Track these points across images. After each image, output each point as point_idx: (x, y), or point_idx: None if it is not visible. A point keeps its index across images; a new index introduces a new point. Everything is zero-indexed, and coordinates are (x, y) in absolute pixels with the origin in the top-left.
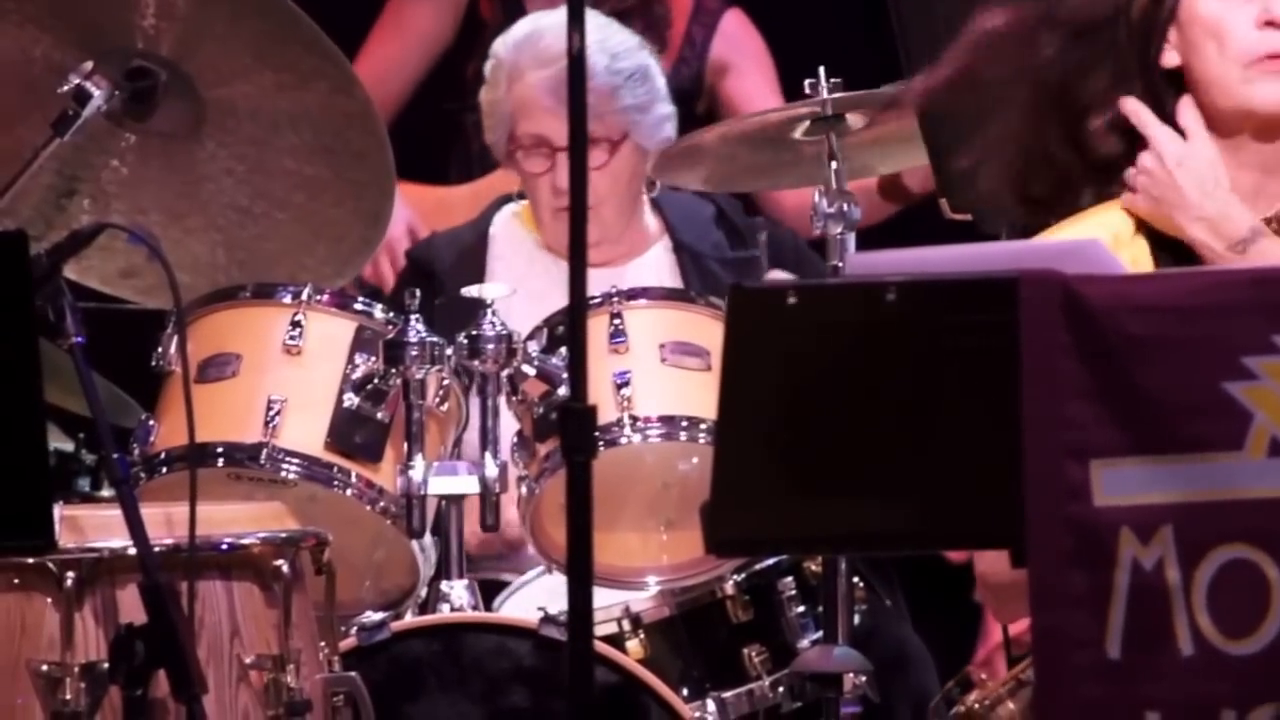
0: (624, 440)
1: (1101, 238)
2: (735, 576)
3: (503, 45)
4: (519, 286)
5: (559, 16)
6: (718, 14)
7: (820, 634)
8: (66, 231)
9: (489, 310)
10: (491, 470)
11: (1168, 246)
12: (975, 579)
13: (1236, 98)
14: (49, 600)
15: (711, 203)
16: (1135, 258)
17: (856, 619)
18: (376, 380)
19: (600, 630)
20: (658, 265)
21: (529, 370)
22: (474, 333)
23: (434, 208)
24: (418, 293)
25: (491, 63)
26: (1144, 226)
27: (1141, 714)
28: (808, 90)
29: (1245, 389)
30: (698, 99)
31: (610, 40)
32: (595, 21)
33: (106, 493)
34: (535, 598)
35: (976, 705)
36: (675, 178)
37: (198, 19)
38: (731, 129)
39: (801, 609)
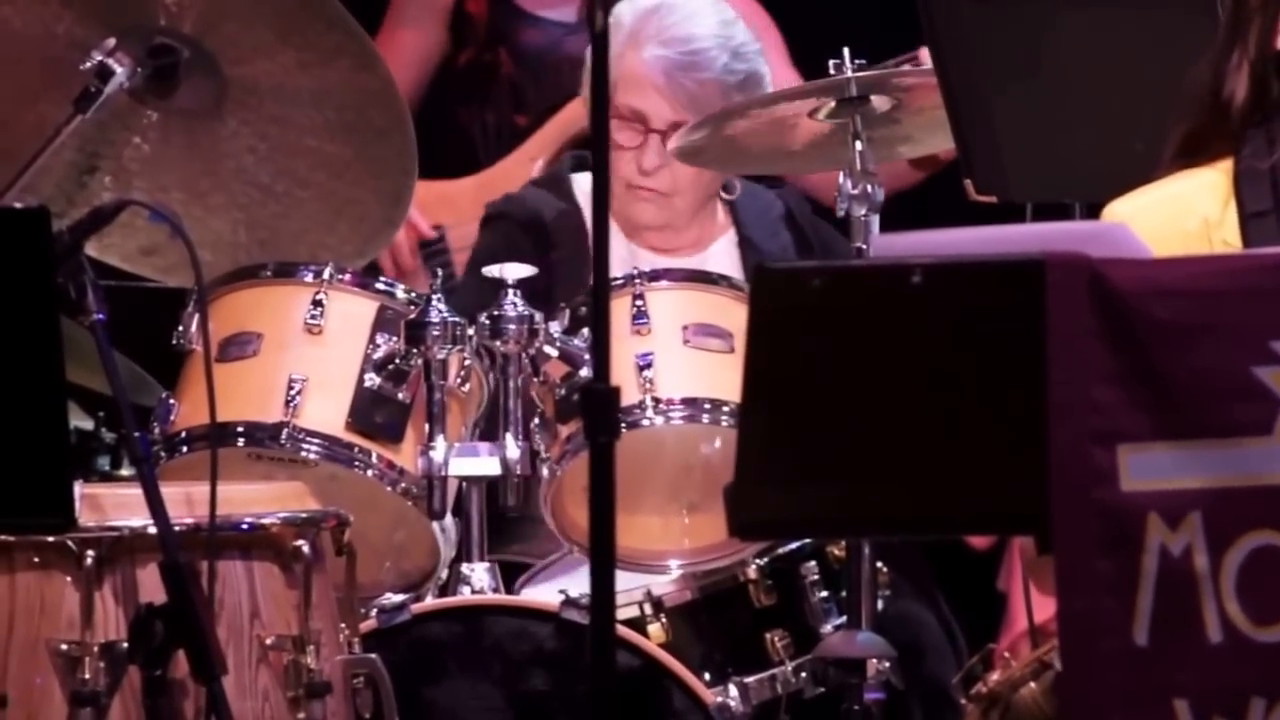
0: (646, 422)
1: (1194, 195)
2: (758, 560)
3: (629, 9)
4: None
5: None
6: None
7: (843, 619)
8: (88, 209)
9: (510, 291)
10: (513, 452)
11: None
12: (999, 565)
13: None
14: (68, 579)
15: (781, 201)
16: (1223, 221)
17: (880, 604)
18: (398, 360)
19: (622, 614)
20: (723, 258)
21: (551, 351)
22: (496, 313)
23: (437, 202)
24: (440, 272)
25: (610, 21)
26: (1238, 192)
27: (1169, 701)
28: (831, 71)
29: (1274, 374)
30: None
31: (734, 39)
32: (721, 16)
33: (127, 471)
34: (556, 580)
35: (998, 685)
36: (695, 158)
37: None
38: (752, 110)
39: (824, 594)
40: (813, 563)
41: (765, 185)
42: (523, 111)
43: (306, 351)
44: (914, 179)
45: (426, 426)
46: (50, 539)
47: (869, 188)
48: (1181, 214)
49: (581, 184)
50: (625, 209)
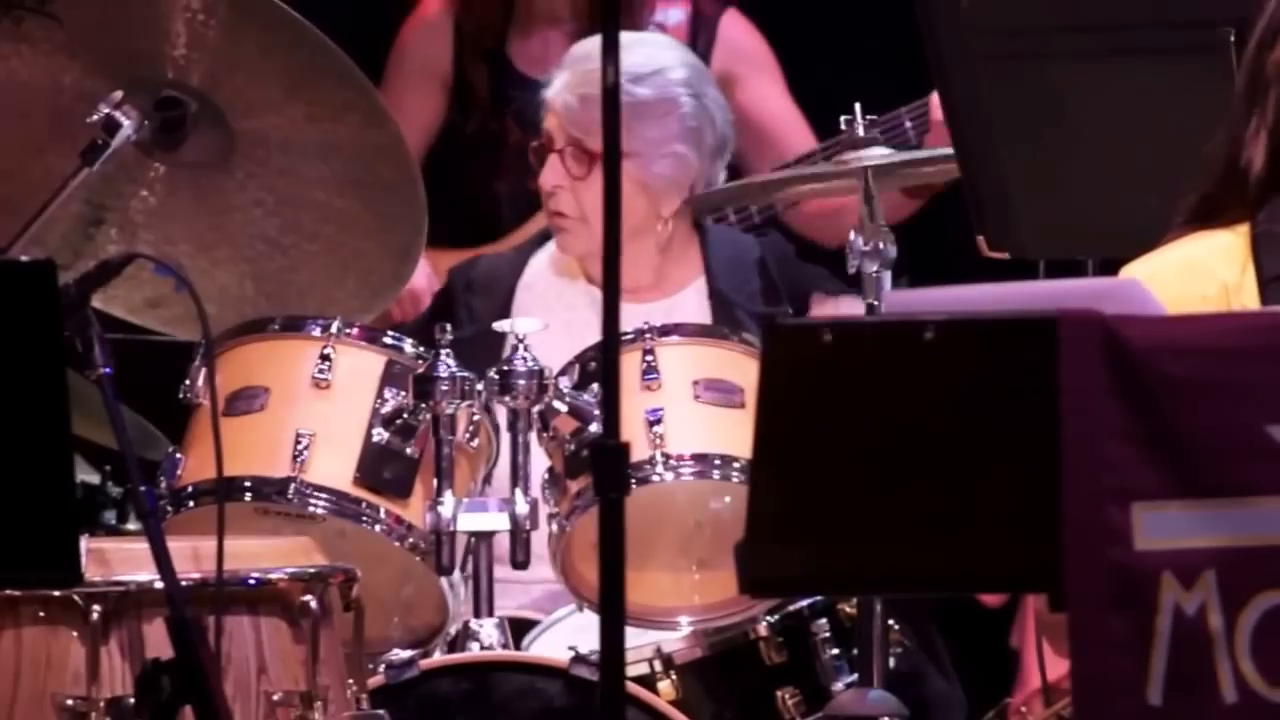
0: (656, 478)
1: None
2: (768, 618)
3: (580, 50)
4: (546, 318)
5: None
6: (716, 18)
7: (855, 677)
8: (94, 261)
9: (520, 345)
10: (522, 507)
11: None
12: (1012, 622)
13: None
14: (75, 634)
15: (758, 246)
16: (1241, 286)
17: (891, 661)
18: (406, 415)
19: (631, 671)
20: (689, 307)
21: (560, 406)
22: (505, 368)
23: None
24: (449, 327)
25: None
26: (1256, 256)
27: None
28: (843, 127)
29: None
30: None
31: (645, 68)
32: (647, 41)
33: (133, 526)
34: (565, 637)
35: None
36: (709, 211)
37: (229, 50)
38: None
39: (836, 651)
40: (824, 620)
41: (745, 230)
42: (536, 177)
43: (314, 406)
44: (910, 209)
45: (435, 481)
46: (56, 594)
47: (880, 244)
48: (1200, 279)
49: (540, 257)
50: (562, 240)
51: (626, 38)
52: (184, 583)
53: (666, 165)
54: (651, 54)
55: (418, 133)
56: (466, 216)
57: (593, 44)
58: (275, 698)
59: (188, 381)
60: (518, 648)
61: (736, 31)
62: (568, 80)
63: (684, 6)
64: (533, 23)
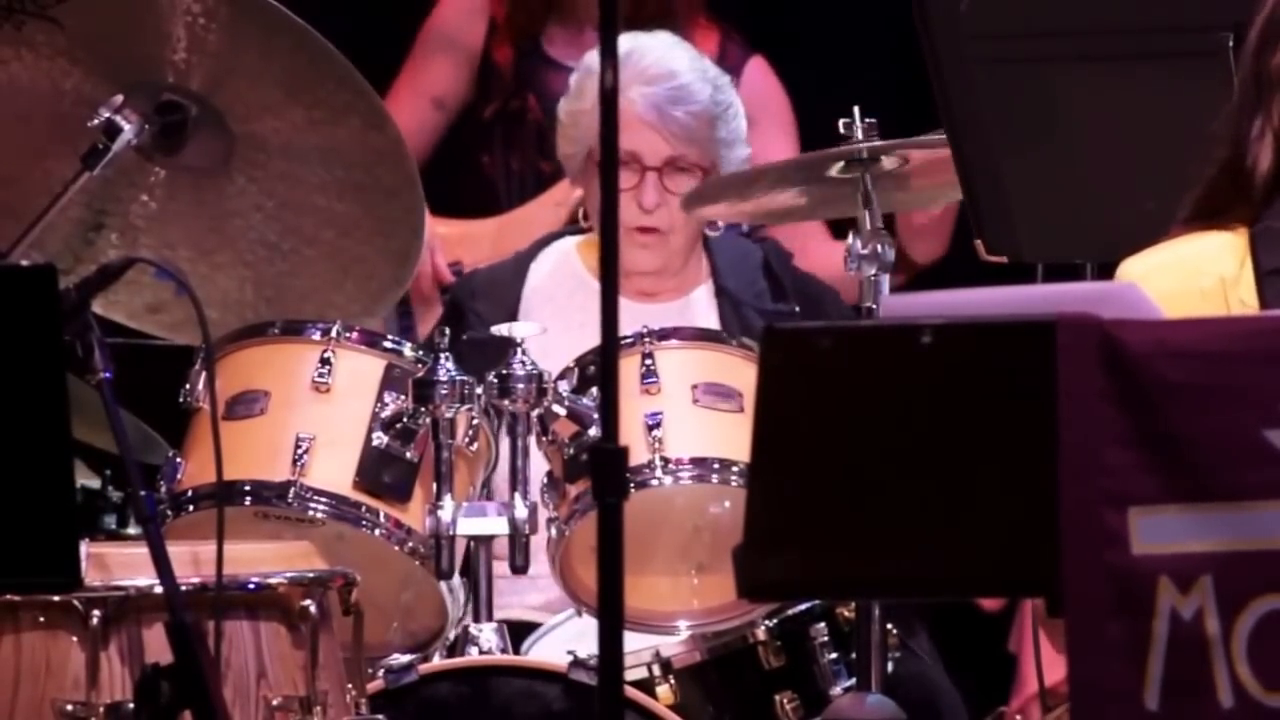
0: (655, 482)
1: (1207, 256)
2: (767, 622)
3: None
4: (559, 322)
5: (659, 40)
6: (741, 63)
7: (853, 681)
8: (95, 266)
9: (519, 349)
10: (521, 511)
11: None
12: (1010, 627)
13: None
14: (74, 639)
15: (760, 249)
16: (1239, 279)
17: (889, 665)
18: (406, 419)
19: (630, 675)
20: (700, 306)
21: (559, 410)
22: (504, 372)
23: (458, 239)
24: (448, 331)
25: (581, 75)
26: (1254, 250)
27: None
28: (842, 130)
29: None
30: None
31: (710, 71)
32: (690, 52)
33: (133, 530)
34: (564, 641)
35: None
36: (702, 209)
37: (229, 54)
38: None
39: (834, 655)
40: (822, 624)
41: (742, 234)
42: (548, 157)
43: (314, 410)
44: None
45: (434, 485)
46: (56, 598)
47: (879, 247)
48: (1197, 273)
49: (555, 248)
50: (631, 255)
51: (652, 43)
52: (183, 587)
53: (737, 165)
54: (700, 58)
55: (440, 101)
56: (475, 191)
57: (661, 58)
58: (274, 702)
59: (188, 386)
60: (516, 652)
61: (759, 78)
62: (660, 95)
63: (711, 47)
64: (574, 18)
